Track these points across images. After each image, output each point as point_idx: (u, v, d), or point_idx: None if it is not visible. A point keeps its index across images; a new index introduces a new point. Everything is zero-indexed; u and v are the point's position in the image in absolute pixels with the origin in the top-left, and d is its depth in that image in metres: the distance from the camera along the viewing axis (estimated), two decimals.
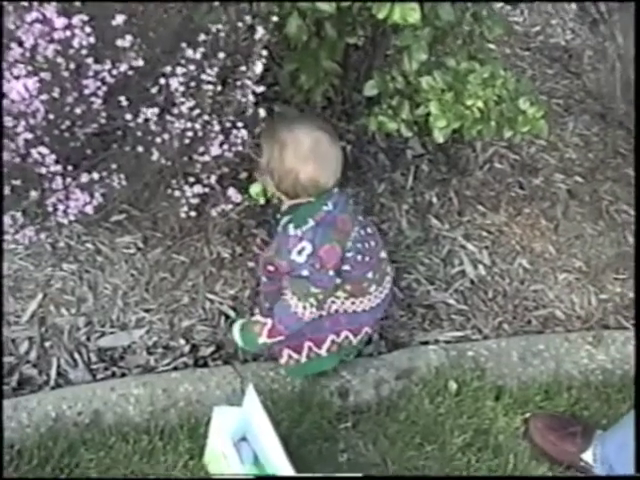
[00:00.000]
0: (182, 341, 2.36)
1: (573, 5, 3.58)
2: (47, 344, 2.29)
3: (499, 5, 3.41)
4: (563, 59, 3.44)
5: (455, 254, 2.69)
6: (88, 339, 2.32)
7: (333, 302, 2.18)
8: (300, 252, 2.02)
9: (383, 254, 2.28)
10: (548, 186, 2.93)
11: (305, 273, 2.03)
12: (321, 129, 2.07)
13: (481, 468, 2.21)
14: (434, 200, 2.79)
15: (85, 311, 2.37)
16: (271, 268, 2.20)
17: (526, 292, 2.65)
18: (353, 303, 2.19)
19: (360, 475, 2.08)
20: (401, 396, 2.30)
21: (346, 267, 2.13)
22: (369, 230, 2.23)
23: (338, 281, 2.12)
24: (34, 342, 2.29)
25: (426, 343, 2.47)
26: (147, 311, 2.39)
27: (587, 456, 2.22)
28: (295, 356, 2.22)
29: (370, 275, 2.20)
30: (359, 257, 2.15)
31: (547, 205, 2.87)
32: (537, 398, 2.36)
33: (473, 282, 2.64)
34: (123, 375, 2.28)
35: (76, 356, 2.29)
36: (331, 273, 2.07)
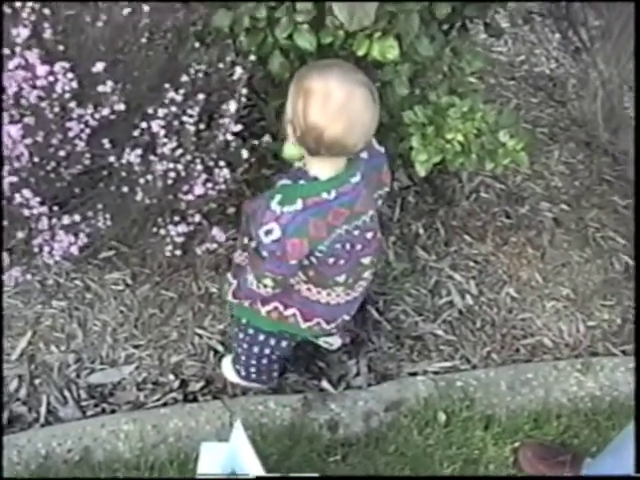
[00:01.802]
0: (171, 376, 2.37)
1: (556, 34, 3.63)
2: (37, 381, 2.31)
3: (483, 36, 3.46)
4: (548, 88, 3.49)
5: (442, 285, 2.71)
6: (78, 376, 2.34)
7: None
8: (267, 233, 1.80)
9: (366, 260, 2.04)
10: (534, 214, 2.95)
11: (264, 254, 1.85)
12: (359, 82, 1.74)
13: None
14: (421, 231, 2.81)
15: (75, 348, 2.38)
16: (247, 211, 2.03)
17: (514, 321, 2.67)
18: (309, 290, 2.03)
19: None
20: (390, 428, 2.31)
21: (313, 261, 1.94)
22: (368, 235, 1.98)
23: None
24: (24, 380, 2.30)
25: (415, 374, 2.48)
26: (136, 347, 2.41)
27: None
28: (231, 280, 2.13)
29: (340, 278, 2.01)
30: (331, 260, 1.94)
31: (533, 233, 2.90)
32: (526, 427, 2.37)
33: (461, 312, 2.66)
34: (113, 411, 2.29)
35: (66, 393, 2.30)
36: (292, 263, 1.87)
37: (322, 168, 1.83)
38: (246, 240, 2.08)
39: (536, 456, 2.30)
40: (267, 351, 2.23)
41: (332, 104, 1.70)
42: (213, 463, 1.98)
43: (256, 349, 2.23)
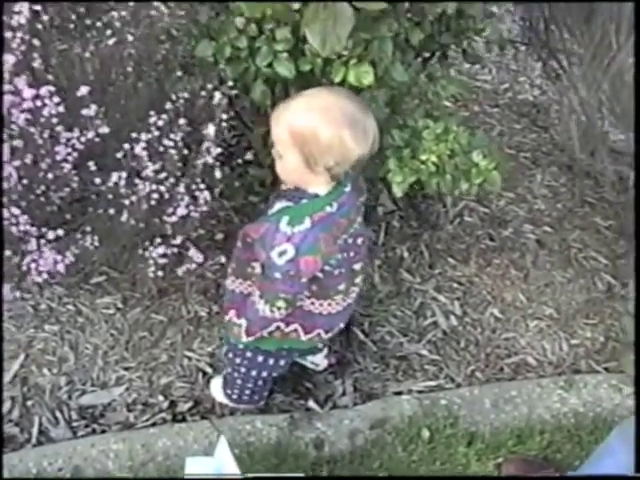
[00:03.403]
0: (161, 397, 2.42)
1: (539, 63, 3.71)
2: (29, 403, 2.36)
3: (467, 65, 3.56)
4: (531, 114, 3.57)
5: (427, 306, 2.76)
6: (69, 397, 2.39)
7: None
8: (281, 254, 1.85)
9: (357, 266, 2.11)
10: (517, 237, 3.02)
11: (277, 275, 1.89)
12: (349, 97, 1.87)
13: None
14: (405, 254, 2.88)
15: (66, 370, 2.44)
16: (249, 239, 2.05)
17: (498, 340, 2.72)
18: (312, 304, 2.08)
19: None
20: (375, 445, 2.36)
21: (320, 275, 1.99)
22: (358, 241, 2.06)
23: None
24: (16, 401, 2.35)
25: (400, 393, 2.53)
26: (127, 369, 2.46)
27: None
28: (236, 320, 2.12)
29: (341, 287, 2.07)
30: (336, 272, 2.01)
31: (517, 255, 2.96)
32: (510, 443, 2.41)
33: (445, 333, 2.71)
34: (103, 432, 2.34)
35: (57, 414, 2.35)
36: (303, 280, 1.93)
37: (320, 184, 1.89)
38: (239, 244, 2.09)
39: (519, 471, 2.34)
40: (265, 373, 2.27)
41: (345, 112, 1.79)
42: (198, 477, 2.02)
43: (254, 372, 2.26)
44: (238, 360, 2.24)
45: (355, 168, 1.87)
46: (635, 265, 2.71)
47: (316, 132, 1.78)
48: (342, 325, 2.22)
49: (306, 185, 1.90)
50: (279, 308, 1.98)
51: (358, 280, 2.15)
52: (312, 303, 2.09)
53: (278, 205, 1.94)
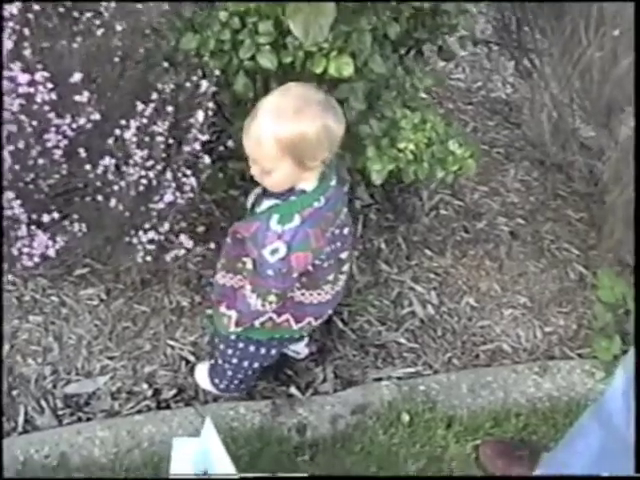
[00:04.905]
0: (145, 385, 2.46)
1: (512, 61, 3.80)
2: (14, 392, 2.39)
3: (442, 64, 3.63)
4: (504, 111, 3.66)
5: (404, 296, 2.83)
6: (54, 387, 2.42)
7: None
8: (273, 252, 1.90)
9: (344, 255, 2.15)
10: (491, 229, 3.09)
11: (270, 273, 1.94)
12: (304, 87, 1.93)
13: None
14: (383, 246, 2.94)
15: (51, 360, 2.47)
16: (239, 235, 2.08)
17: (474, 328, 2.79)
18: (303, 295, 2.14)
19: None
20: (356, 429, 2.41)
21: (310, 268, 2.05)
22: (345, 231, 2.10)
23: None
24: (2, 391, 2.38)
25: (379, 380, 2.58)
26: (111, 359, 2.50)
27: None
28: (226, 311, 2.16)
29: (330, 277, 2.13)
30: (325, 264, 2.07)
31: (491, 246, 3.03)
32: (487, 425, 2.48)
33: (423, 321, 2.77)
34: (89, 420, 2.37)
35: (43, 403, 2.38)
36: (294, 275, 1.99)
37: (310, 180, 1.94)
38: (229, 241, 2.14)
39: (495, 453, 2.40)
40: (256, 364, 2.31)
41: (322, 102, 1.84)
42: (185, 458, 2.06)
43: (246, 363, 2.30)
44: (230, 351, 2.28)
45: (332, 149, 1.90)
46: (635, 266, 2.76)
47: (303, 134, 1.82)
48: (330, 312, 2.30)
49: (297, 183, 1.93)
50: (270, 302, 2.04)
51: (345, 268, 2.21)
52: (302, 294, 2.14)
53: (267, 203, 1.98)
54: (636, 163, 2.62)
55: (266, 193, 2.00)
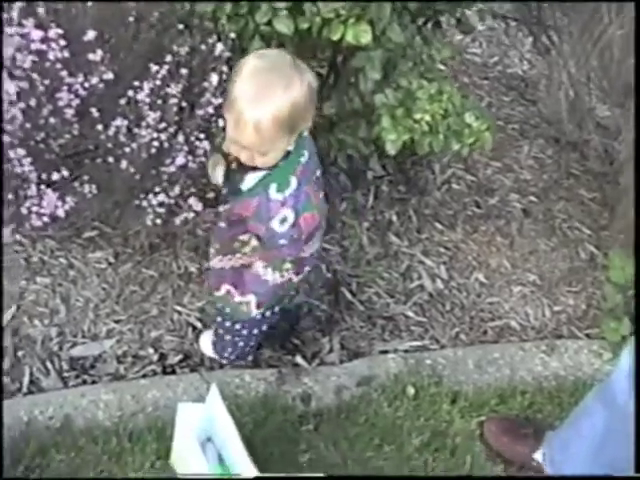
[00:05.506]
0: (151, 350, 2.45)
1: (529, 37, 3.76)
2: (20, 353, 2.38)
3: (459, 37, 3.60)
4: (520, 87, 3.62)
5: (414, 269, 2.81)
6: (60, 349, 2.41)
7: None
8: (282, 221, 1.88)
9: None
10: (503, 205, 3.07)
11: (282, 241, 1.92)
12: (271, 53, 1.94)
13: (438, 467, 2.31)
14: (394, 218, 2.92)
15: (57, 322, 2.46)
16: (234, 217, 2.06)
17: (482, 304, 2.78)
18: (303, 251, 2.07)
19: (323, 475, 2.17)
20: (361, 401, 2.40)
21: None
22: (317, 174, 2.05)
23: None
24: (7, 352, 2.37)
25: (386, 352, 2.58)
26: (117, 322, 2.49)
27: (538, 455, 2.32)
28: (244, 299, 2.15)
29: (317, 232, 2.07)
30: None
31: (502, 223, 3.01)
32: (492, 402, 2.47)
33: (431, 295, 2.76)
34: (94, 383, 2.36)
35: (48, 365, 2.38)
36: (304, 237, 1.95)
37: (291, 141, 1.88)
38: (223, 224, 2.13)
39: (500, 430, 2.39)
40: (265, 326, 2.28)
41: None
42: (190, 427, 2.06)
43: (256, 330, 2.28)
44: (238, 326, 2.26)
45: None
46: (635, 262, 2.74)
47: (294, 102, 1.78)
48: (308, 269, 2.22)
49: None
50: (287, 270, 2.05)
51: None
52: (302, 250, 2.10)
53: (253, 176, 1.92)
54: (636, 162, 2.60)
55: (245, 169, 1.93)
